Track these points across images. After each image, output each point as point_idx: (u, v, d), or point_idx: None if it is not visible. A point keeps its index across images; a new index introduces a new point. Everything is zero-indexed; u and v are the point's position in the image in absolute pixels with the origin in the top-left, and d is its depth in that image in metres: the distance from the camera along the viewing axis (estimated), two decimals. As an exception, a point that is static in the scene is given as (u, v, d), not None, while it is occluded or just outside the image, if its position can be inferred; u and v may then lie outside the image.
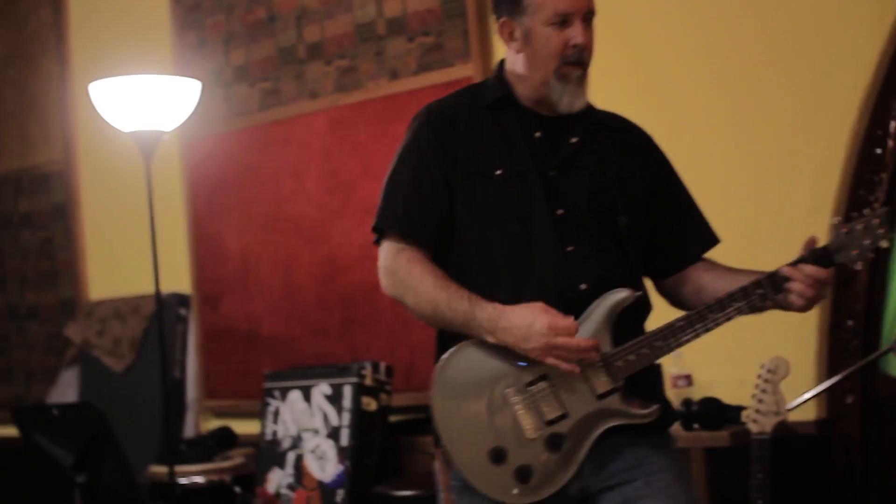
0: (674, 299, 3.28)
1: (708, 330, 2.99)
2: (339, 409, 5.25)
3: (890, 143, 4.45)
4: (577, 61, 3.06)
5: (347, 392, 5.24)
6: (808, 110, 4.59)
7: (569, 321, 2.90)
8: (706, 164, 4.68)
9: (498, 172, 3.07)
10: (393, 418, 5.42)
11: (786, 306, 2.99)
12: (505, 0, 3.08)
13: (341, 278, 5.91)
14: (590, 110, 3.18)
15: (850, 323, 4.52)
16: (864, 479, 4.56)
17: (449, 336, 3.08)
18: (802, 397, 4.02)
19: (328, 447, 5.26)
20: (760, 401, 3.89)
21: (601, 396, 2.97)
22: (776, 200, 4.64)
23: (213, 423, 6.33)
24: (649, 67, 4.97)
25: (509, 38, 3.11)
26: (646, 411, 3.00)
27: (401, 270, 3.05)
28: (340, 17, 5.83)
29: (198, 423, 6.54)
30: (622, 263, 3.09)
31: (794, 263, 2.95)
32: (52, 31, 7.23)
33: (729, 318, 2.98)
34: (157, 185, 6.38)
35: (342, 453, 5.21)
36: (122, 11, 6.93)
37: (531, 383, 3.00)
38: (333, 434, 5.25)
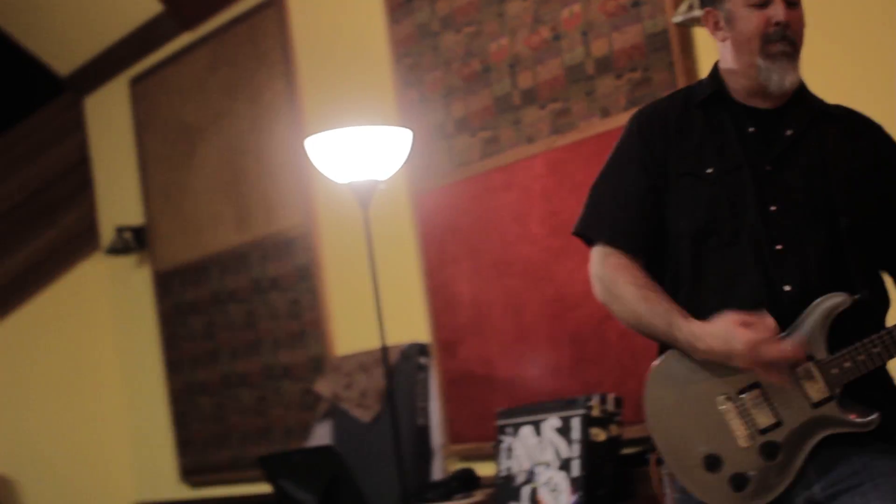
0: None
1: None
2: (569, 441, 5.31)
3: None
4: (781, 38, 3.05)
5: (576, 424, 5.30)
6: None
7: (767, 329, 2.88)
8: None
9: (709, 171, 3.08)
10: (627, 451, 5.44)
11: None
12: None
13: (569, 316, 5.98)
14: (810, 100, 3.16)
15: None
16: None
17: (663, 345, 3.12)
18: None
19: (560, 479, 5.31)
20: None
21: (816, 405, 2.94)
22: None
23: (459, 467, 6.46)
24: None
25: (714, 27, 3.15)
26: (865, 420, 2.94)
27: (607, 278, 3.12)
28: (550, 61, 5.94)
29: (445, 467, 6.68)
30: (837, 265, 3.02)
31: None
32: (286, 100, 7.56)
33: None
34: (391, 240, 6.63)
35: (574, 484, 5.25)
36: (348, 76, 7.20)
37: (743, 391, 3.00)
38: (565, 465, 5.31)
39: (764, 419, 2.97)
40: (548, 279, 6.07)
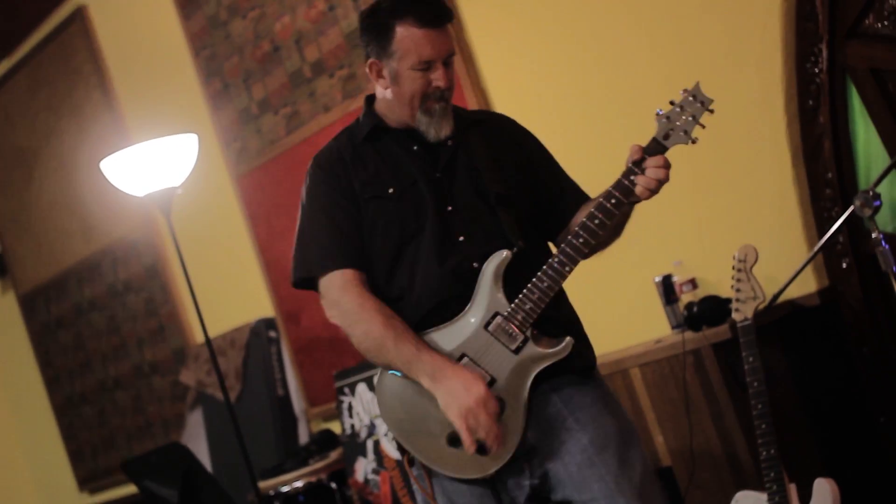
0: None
1: (585, 255, 3.08)
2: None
3: (819, 16, 4.35)
4: (439, 98, 3.22)
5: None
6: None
7: (496, 405, 3.01)
8: (659, 65, 4.65)
9: (390, 191, 3.22)
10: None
11: (634, 201, 3.07)
12: (374, 44, 3.22)
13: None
14: (457, 112, 3.33)
15: (827, 191, 4.44)
16: (874, 334, 4.48)
17: None
18: (795, 271, 3.96)
19: (398, 426, 5.33)
20: (738, 290, 3.91)
21: (517, 351, 3.08)
22: (729, 88, 4.51)
23: (321, 428, 6.47)
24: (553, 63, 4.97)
25: (377, 76, 3.26)
26: (559, 347, 3.09)
27: (351, 304, 3.17)
28: (330, 30, 5.92)
29: (310, 431, 6.68)
30: (502, 233, 3.20)
31: (634, 164, 3.01)
32: (105, 110, 7.51)
33: (596, 235, 3.06)
34: (223, 224, 6.61)
35: (410, 428, 5.28)
36: (156, 77, 7.15)
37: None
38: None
39: None
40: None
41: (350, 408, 5.58)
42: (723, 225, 4.66)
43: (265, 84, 6.37)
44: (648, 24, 4.77)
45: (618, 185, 3.03)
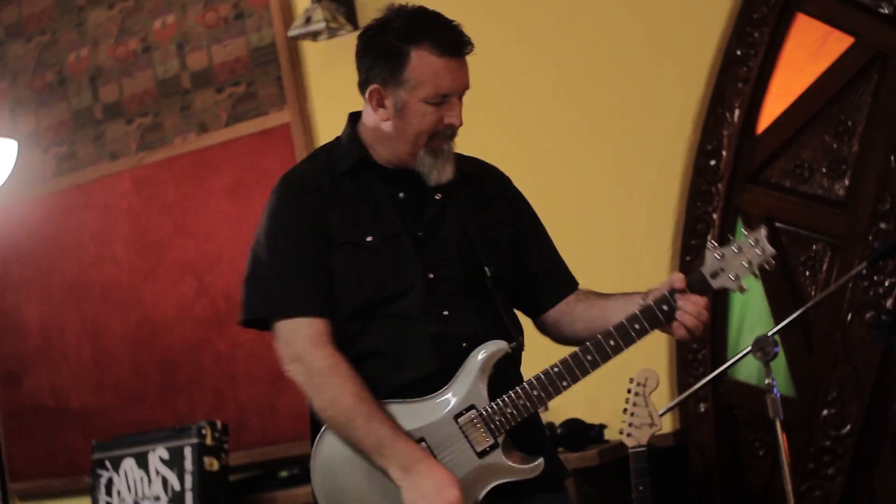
0: (554, 336, 3.05)
1: (587, 373, 2.78)
2: (181, 473, 4.76)
3: (724, 153, 4.31)
4: (449, 137, 2.84)
5: (188, 453, 4.76)
6: (642, 127, 4.44)
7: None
8: (545, 186, 4.46)
9: (369, 239, 2.82)
10: (231, 477, 4.95)
11: (663, 331, 2.82)
12: (380, 67, 2.79)
13: (158, 342, 5.44)
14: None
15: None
16: (721, 483, 4.43)
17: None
18: (662, 409, 3.85)
19: (172, 514, 4.76)
20: (633, 414, 3.74)
21: (482, 454, 2.75)
22: (618, 221, 4.44)
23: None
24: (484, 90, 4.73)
25: (378, 105, 2.82)
26: (530, 465, 2.77)
27: (321, 364, 2.76)
28: (140, 73, 5.38)
29: (5, 507, 5.90)
30: (496, 316, 2.87)
31: (670, 294, 2.75)
32: None
33: (607, 357, 2.77)
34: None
35: (187, 518, 4.72)
36: None
37: None
38: (177, 499, 4.75)
39: None
40: (133, 303, 5.49)
41: (110, 484, 4.92)
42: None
43: (38, 116, 5.70)
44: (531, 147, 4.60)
45: (647, 311, 2.75)
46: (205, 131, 5.24)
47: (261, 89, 5.07)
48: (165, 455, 4.81)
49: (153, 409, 5.42)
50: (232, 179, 5.21)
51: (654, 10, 4.42)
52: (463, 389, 2.76)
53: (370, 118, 2.86)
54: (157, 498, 4.81)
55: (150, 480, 4.84)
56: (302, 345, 2.76)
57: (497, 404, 2.74)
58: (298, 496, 4.87)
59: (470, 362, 2.77)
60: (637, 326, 2.75)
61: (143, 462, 4.88)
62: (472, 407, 2.75)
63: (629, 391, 3.76)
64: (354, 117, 2.93)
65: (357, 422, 2.70)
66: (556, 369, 2.75)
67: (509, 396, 2.75)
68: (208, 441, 4.77)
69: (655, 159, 4.41)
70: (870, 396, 4.24)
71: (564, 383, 2.75)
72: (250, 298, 2.84)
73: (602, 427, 4.37)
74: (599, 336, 2.75)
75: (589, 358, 2.74)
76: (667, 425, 4.35)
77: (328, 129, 4.84)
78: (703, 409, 4.41)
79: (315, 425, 2.83)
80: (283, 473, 5.04)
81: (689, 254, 4.38)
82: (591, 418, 4.34)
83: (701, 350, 4.38)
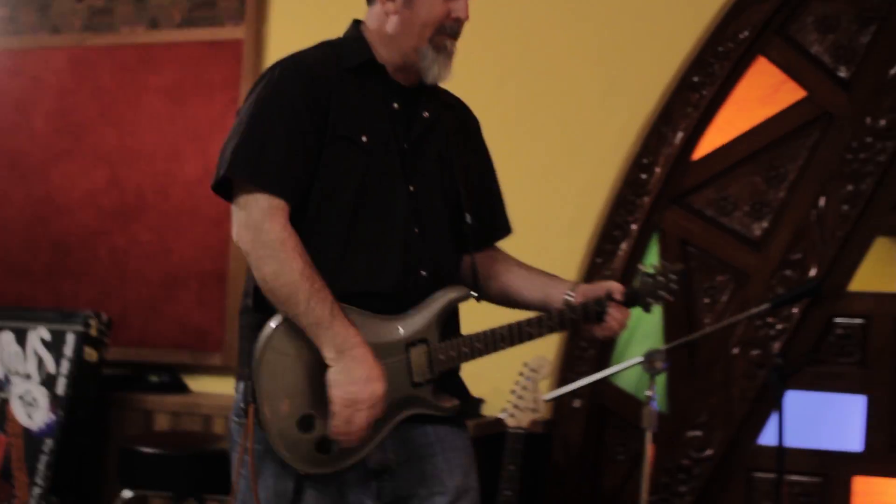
0: (480, 293, 3.05)
1: (520, 342, 2.88)
2: (59, 357, 4.74)
3: (657, 170, 4.41)
4: (453, 33, 2.86)
5: (70, 340, 4.74)
6: (586, 129, 4.51)
7: (379, 414, 2.73)
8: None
9: (364, 139, 2.81)
10: (105, 371, 4.94)
11: (583, 332, 3.02)
12: None
13: (56, 223, 5.38)
14: (435, 85, 2.95)
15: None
16: (578, 478, 4.55)
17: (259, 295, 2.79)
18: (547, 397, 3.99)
19: (40, 395, 4.73)
20: (520, 397, 3.85)
21: (415, 385, 2.82)
22: (542, 211, 4.51)
23: None
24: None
25: None
26: (449, 406, 2.88)
27: (272, 235, 2.71)
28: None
29: None
30: (457, 256, 2.96)
31: (603, 301, 2.87)
32: None
33: (543, 334, 2.89)
34: None
35: (55, 402, 4.70)
36: None
37: None
38: (48, 382, 4.73)
39: None
40: (40, 178, 5.42)
41: (-17, 351, 4.88)
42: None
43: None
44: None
45: (586, 307, 2.87)
46: (154, 27, 5.19)
47: (221, -1, 5.05)
48: (47, 336, 4.79)
49: (35, 287, 5.37)
50: (171, 81, 5.17)
51: (628, 17, 4.50)
52: (420, 322, 2.82)
53: (374, 19, 2.86)
54: (29, 376, 4.78)
55: (24, 357, 4.81)
56: (259, 214, 2.72)
57: (444, 345, 2.82)
58: (167, 403, 4.90)
59: (436, 299, 2.83)
60: (574, 317, 2.86)
61: (21, 338, 4.85)
62: (424, 340, 2.81)
63: (521, 374, 3.86)
64: (357, 23, 2.93)
65: (298, 297, 2.68)
66: (501, 332, 2.84)
67: (457, 342, 2.83)
68: (93, 332, 4.76)
69: (591, 161, 4.49)
70: (737, 428, 4.41)
71: (502, 345, 2.84)
72: (232, 157, 2.77)
73: (480, 401, 4.46)
74: (543, 315, 2.86)
75: (528, 330, 2.84)
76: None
77: (279, 51, 4.83)
78: (576, 405, 4.51)
79: (253, 320, 2.81)
80: (154, 378, 5.05)
81: (599, 256, 4.48)
82: (472, 391, 4.41)
83: (588, 349, 4.48)
